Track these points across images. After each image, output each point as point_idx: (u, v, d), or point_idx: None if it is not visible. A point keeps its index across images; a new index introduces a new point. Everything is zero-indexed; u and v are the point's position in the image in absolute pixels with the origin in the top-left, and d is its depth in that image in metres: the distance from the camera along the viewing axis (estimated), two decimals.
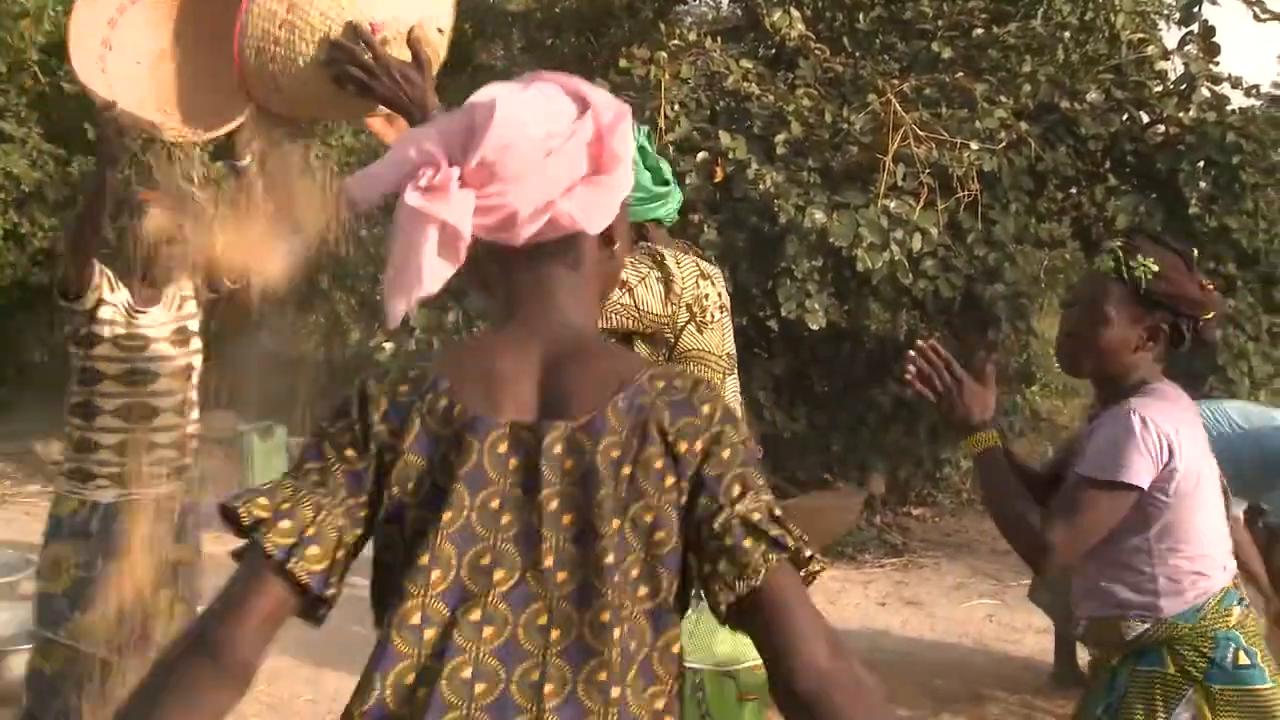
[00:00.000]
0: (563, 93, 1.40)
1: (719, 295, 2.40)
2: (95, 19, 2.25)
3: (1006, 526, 2.24)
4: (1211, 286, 2.28)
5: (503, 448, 1.32)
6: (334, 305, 8.14)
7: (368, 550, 1.38)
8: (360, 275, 7.68)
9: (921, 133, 6.24)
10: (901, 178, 6.23)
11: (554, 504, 1.32)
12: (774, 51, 7.60)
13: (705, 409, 1.36)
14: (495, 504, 1.32)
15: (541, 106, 1.38)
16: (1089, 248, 7.03)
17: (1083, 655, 4.32)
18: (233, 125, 2.22)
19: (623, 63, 6.76)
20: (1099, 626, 2.31)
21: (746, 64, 6.82)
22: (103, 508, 3.35)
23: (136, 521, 3.33)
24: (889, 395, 7.15)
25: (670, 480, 1.33)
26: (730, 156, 6.17)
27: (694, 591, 2.33)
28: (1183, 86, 6.79)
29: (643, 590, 1.34)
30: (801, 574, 1.34)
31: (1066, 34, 6.92)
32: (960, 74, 6.79)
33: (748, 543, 1.32)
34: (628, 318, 2.27)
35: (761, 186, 6.09)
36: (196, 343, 3.50)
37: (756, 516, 1.33)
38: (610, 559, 1.31)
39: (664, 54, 6.59)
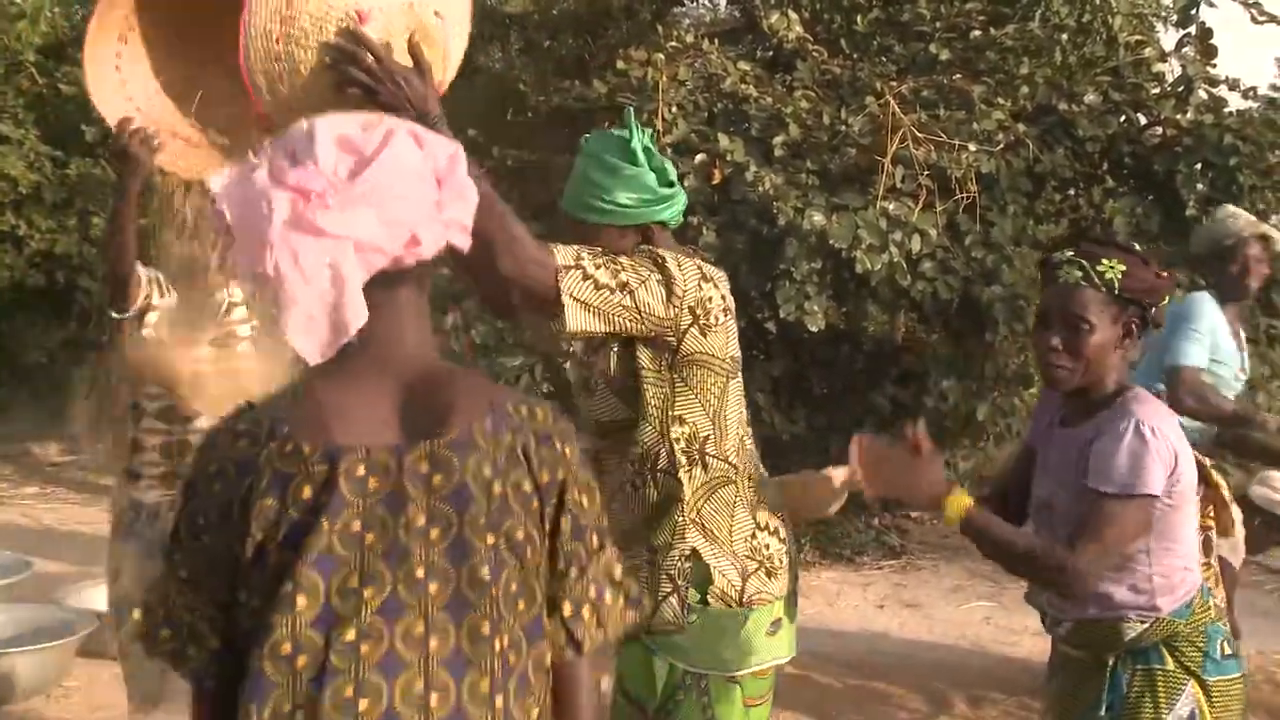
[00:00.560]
0: (407, 134, 1.43)
1: (722, 298, 2.38)
2: (108, 37, 2.24)
3: (1029, 572, 2.27)
4: (1165, 274, 2.34)
5: (360, 471, 1.34)
6: None
7: None
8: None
9: (920, 134, 6.24)
10: (900, 179, 6.23)
11: (421, 519, 1.34)
12: (772, 53, 7.60)
13: (566, 449, 1.44)
14: (356, 526, 1.33)
15: (401, 135, 1.41)
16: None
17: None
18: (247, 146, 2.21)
19: (620, 64, 6.75)
20: (1094, 629, 2.32)
21: (744, 66, 6.82)
22: (146, 508, 3.38)
23: None
24: (887, 397, 7.15)
25: (535, 505, 1.41)
26: (728, 158, 6.17)
27: (700, 597, 2.34)
28: (1180, 89, 6.79)
29: (521, 604, 1.39)
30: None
31: (1064, 36, 6.92)
32: (958, 76, 6.79)
33: (609, 596, 1.46)
34: (629, 320, 2.25)
35: (760, 189, 6.09)
36: (245, 347, 3.49)
37: (617, 572, 1.49)
38: (486, 573, 1.35)
39: (662, 56, 6.59)
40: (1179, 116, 6.66)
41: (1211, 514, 4.11)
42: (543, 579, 1.42)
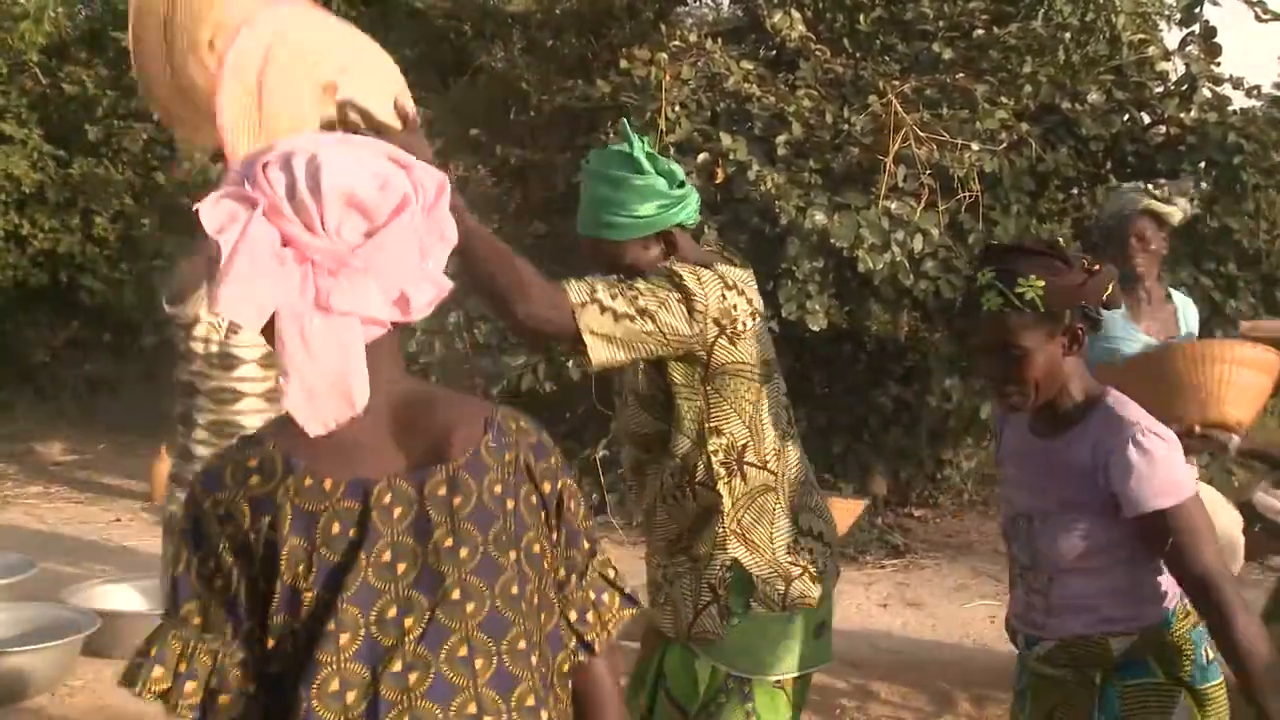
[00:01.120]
0: (391, 164, 1.38)
1: (749, 302, 2.37)
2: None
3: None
4: (1097, 264, 2.17)
5: (386, 499, 1.33)
6: None
7: None
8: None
9: (922, 134, 6.24)
10: (902, 179, 6.23)
11: (449, 541, 1.34)
12: (775, 53, 7.59)
13: (554, 459, 1.46)
14: (387, 556, 1.32)
15: (406, 186, 1.36)
16: (1089, 249, 7.02)
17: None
18: None
19: (623, 64, 6.75)
20: (1081, 646, 2.21)
21: (747, 65, 6.82)
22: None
23: None
24: (890, 396, 7.15)
25: (542, 515, 1.43)
26: (731, 158, 6.17)
27: (743, 603, 2.33)
28: (1184, 87, 6.79)
29: (543, 616, 1.41)
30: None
31: (1067, 35, 6.91)
32: (961, 75, 6.79)
33: (607, 597, 1.50)
34: (655, 345, 2.25)
35: (762, 188, 6.09)
36: None
37: (611, 573, 1.52)
38: (516, 589, 1.37)
39: (665, 55, 6.59)
40: (1183, 115, 6.66)
41: None
42: (553, 588, 1.44)
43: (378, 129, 1.81)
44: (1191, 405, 3.09)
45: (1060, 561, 2.18)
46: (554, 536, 1.45)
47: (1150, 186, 3.81)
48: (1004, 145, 6.42)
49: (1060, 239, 6.85)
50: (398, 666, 1.30)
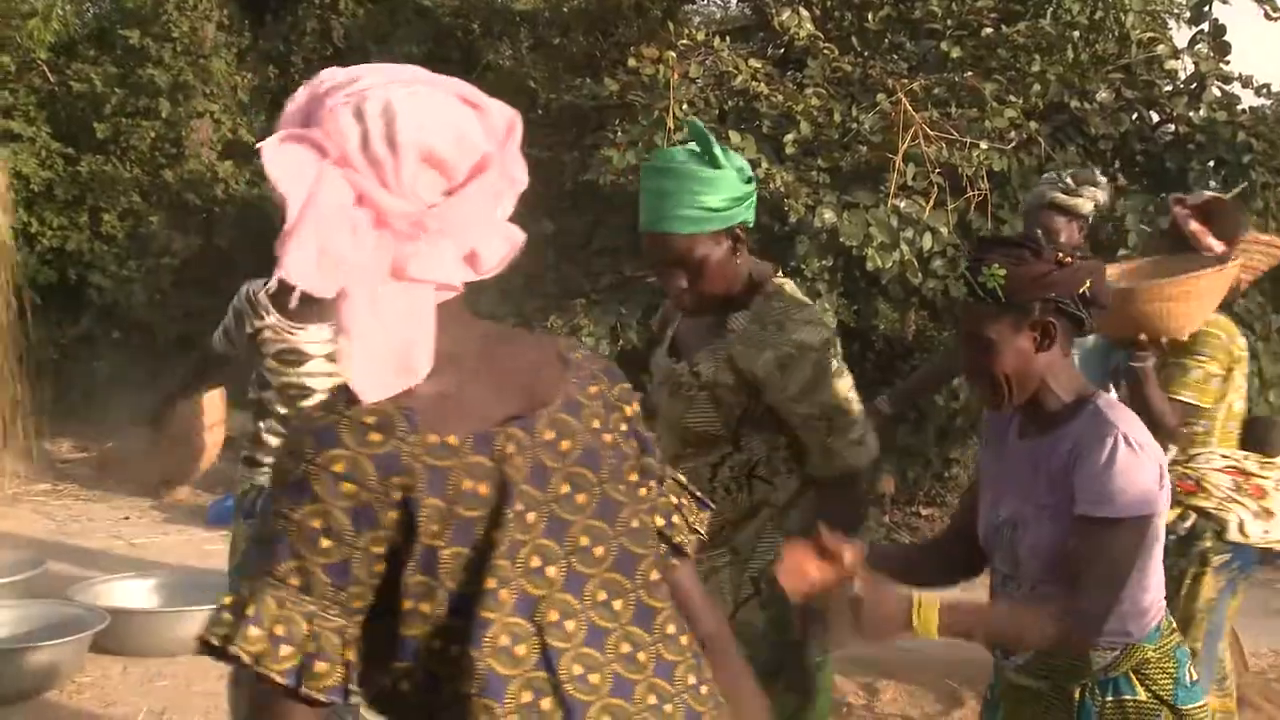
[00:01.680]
0: (465, 104, 1.32)
1: (828, 338, 2.42)
2: None
3: (1028, 640, 2.07)
4: (1069, 258, 2.07)
5: (509, 449, 1.29)
6: None
7: None
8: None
9: (931, 132, 6.23)
10: (911, 177, 6.22)
11: (565, 487, 1.33)
12: (783, 51, 7.59)
13: (623, 380, 1.45)
14: (520, 507, 1.29)
15: (483, 136, 1.31)
16: (1097, 247, 7.00)
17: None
18: None
19: (631, 62, 6.75)
20: (1060, 657, 2.13)
21: (755, 63, 6.82)
22: (268, 492, 3.41)
23: None
24: None
25: (632, 441, 1.42)
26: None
27: (783, 595, 2.36)
28: (1193, 86, 6.77)
29: (649, 540, 1.41)
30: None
31: (1076, 33, 6.89)
32: (970, 73, 6.78)
33: (685, 500, 1.50)
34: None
35: (771, 186, 6.09)
36: None
37: (681, 478, 1.53)
38: (636, 522, 1.38)
39: (673, 53, 6.58)
40: (1192, 114, 6.64)
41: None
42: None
43: None
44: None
45: (1041, 570, 2.09)
46: (640, 456, 1.43)
47: (1067, 178, 3.75)
48: (1013, 144, 6.41)
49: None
50: (554, 616, 1.29)
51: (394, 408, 1.25)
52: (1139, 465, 1.99)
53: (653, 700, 1.33)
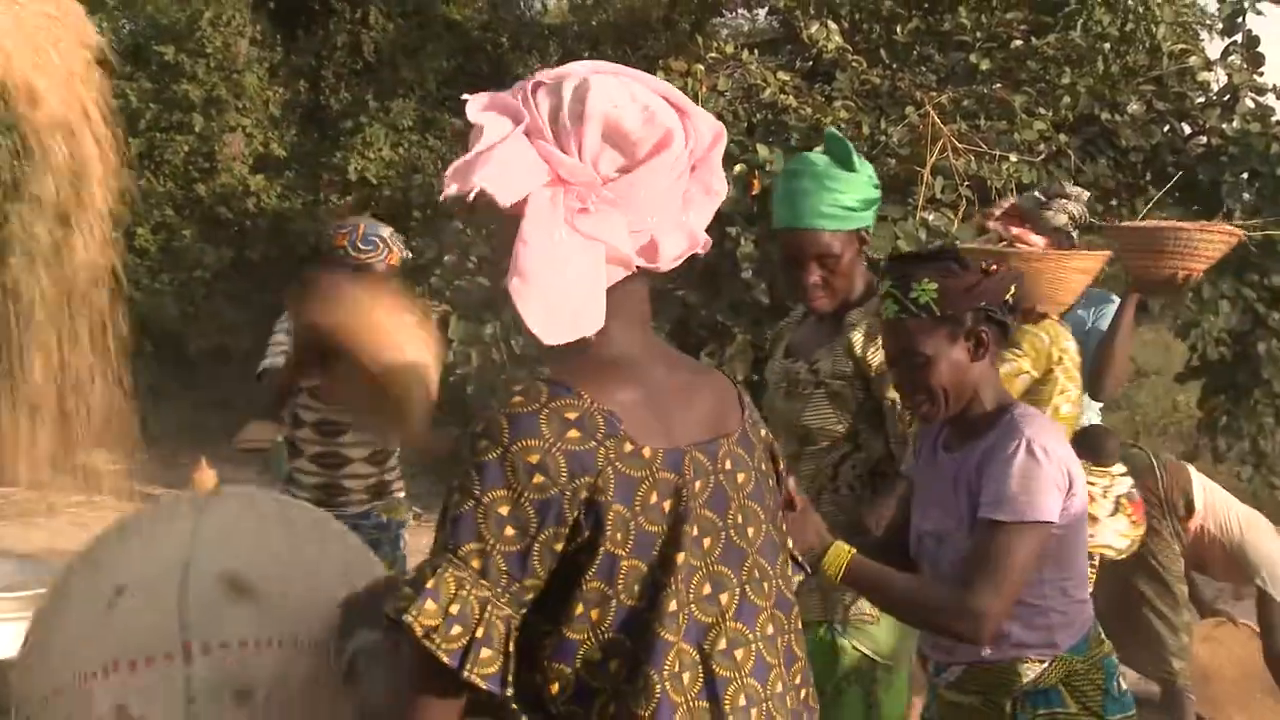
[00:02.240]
0: (666, 104, 1.33)
1: None
2: None
3: (922, 618, 2.08)
4: (993, 265, 2.10)
5: (691, 473, 1.29)
6: None
7: None
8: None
9: (960, 145, 6.21)
10: (940, 190, 6.20)
11: (740, 517, 1.34)
12: (811, 64, 7.60)
13: (764, 426, 1.47)
14: (696, 531, 1.28)
15: (675, 125, 1.31)
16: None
17: None
18: None
19: (660, 75, 6.77)
20: (989, 672, 2.13)
21: (784, 76, 6.83)
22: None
23: None
24: None
25: (777, 489, 1.45)
26: (767, 169, 6.17)
27: None
28: (1226, 97, 6.72)
29: (793, 592, 1.43)
30: None
31: (1106, 45, 6.86)
32: (999, 86, 6.76)
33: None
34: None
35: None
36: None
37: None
38: (790, 567, 1.41)
39: (701, 67, 6.60)
40: (1225, 126, 6.59)
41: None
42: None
43: None
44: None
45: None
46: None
47: (1037, 194, 3.80)
48: (1042, 156, 6.38)
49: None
50: (723, 644, 1.27)
51: (597, 408, 1.25)
52: (1039, 472, 1.99)
53: None
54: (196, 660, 1.45)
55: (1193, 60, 6.90)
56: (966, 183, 6.16)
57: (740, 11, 9.41)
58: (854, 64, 6.96)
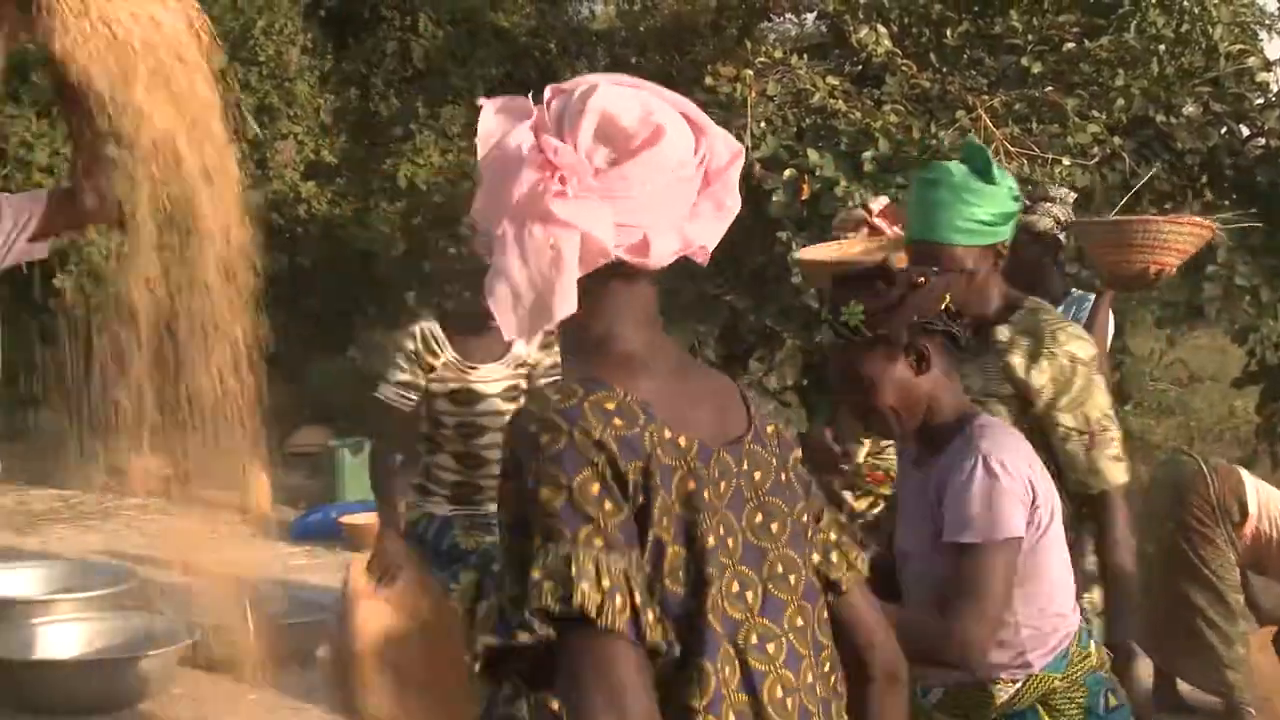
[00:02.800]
0: (679, 115, 1.35)
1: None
2: None
3: (910, 651, 1.93)
4: (921, 278, 2.03)
5: (717, 471, 1.31)
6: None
7: None
8: (445, 291, 7.77)
9: (1012, 149, 6.17)
10: None
11: (759, 516, 1.34)
12: (860, 68, 7.56)
13: (781, 424, 1.48)
14: (722, 530, 1.30)
15: (679, 129, 1.33)
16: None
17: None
18: None
19: (709, 80, 6.77)
20: (965, 694, 2.08)
21: (833, 81, 6.80)
22: (437, 519, 3.51)
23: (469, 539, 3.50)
24: None
25: (805, 480, 1.44)
26: (817, 174, 6.15)
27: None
28: None
29: (819, 582, 1.43)
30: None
31: (1161, 47, 6.79)
32: (1051, 89, 6.70)
33: (846, 537, 1.48)
34: None
35: (850, 204, 6.06)
36: None
37: (841, 518, 1.55)
38: (818, 556, 1.41)
39: (750, 71, 6.59)
40: None
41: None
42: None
43: None
44: None
45: (925, 600, 2.04)
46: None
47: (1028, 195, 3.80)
48: (1095, 160, 6.32)
49: None
50: (754, 639, 1.29)
51: (632, 399, 1.27)
52: (997, 489, 1.95)
53: None
54: None
55: (1251, 61, 6.80)
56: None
57: (788, 16, 9.39)
58: (904, 68, 6.93)
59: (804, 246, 6.20)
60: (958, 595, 1.94)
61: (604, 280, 1.31)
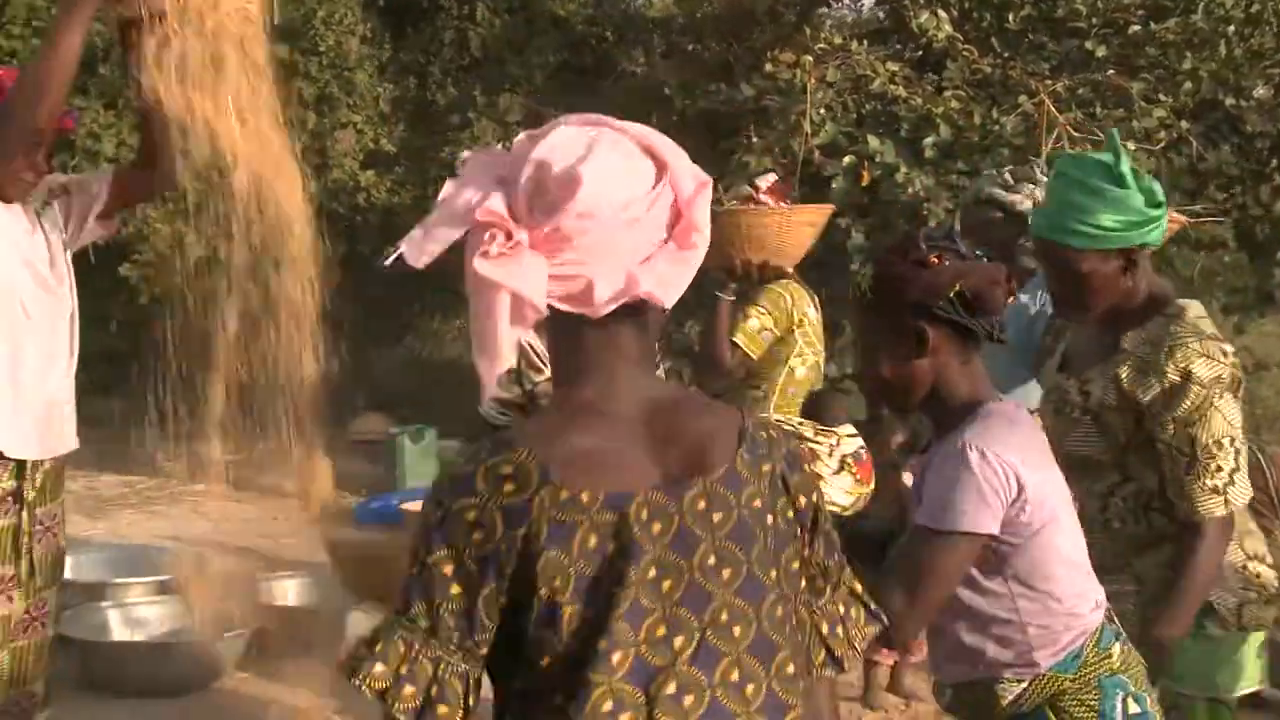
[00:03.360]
0: (639, 151, 1.32)
1: (1234, 363, 2.39)
2: None
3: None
4: (936, 259, 1.91)
5: (644, 514, 1.28)
6: None
7: None
8: None
9: (1076, 134, 6.08)
10: None
11: (711, 559, 1.30)
12: (921, 53, 7.49)
13: (807, 468, 1.41)
14: (653, 573, 1.27)
15: (623, 169, 1.30)
16: (1253, 249, 6.76)
17: None
18: None
19: (768, 67, 6.75)
20: (971, 692, 2.01)
21: (893, 66, 6.76)
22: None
23: None
24: None
25: (797, 530, 1.38)
26: (878, 160, 6.12)
27: (1199, 624, 2.32)
28: None
29: (799, 636, 1.38)
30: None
31: (1230, 28, 6.66)
32: (1115, 72, 6.60)
33: (854, 611, 1.44)
34: None
35: (910, 190, 6.02)
36: None
37: (858, 586, 1.46)
38: (780, 610, 1.33)
39: (809, 58, 6.56)
40: None
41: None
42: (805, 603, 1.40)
43: None
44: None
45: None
46: (808, 548, 1.39)
47: (1007, 175, 3.68)
48: (1162, 144, 6.22)
49: (1224, 240, 6.61)
50: (671, 688, 1.26)
51: (534, 461, 1.27)
52: (965, 480, 1.87)
53: None
54: None
55: None
56: None
57: (846, 1, 9.32)
58: (965, 53, 6.86)
59: (862, 234, 6.17)
60: (899, 569, 1.89)
61: (571, 325, 1.31)
